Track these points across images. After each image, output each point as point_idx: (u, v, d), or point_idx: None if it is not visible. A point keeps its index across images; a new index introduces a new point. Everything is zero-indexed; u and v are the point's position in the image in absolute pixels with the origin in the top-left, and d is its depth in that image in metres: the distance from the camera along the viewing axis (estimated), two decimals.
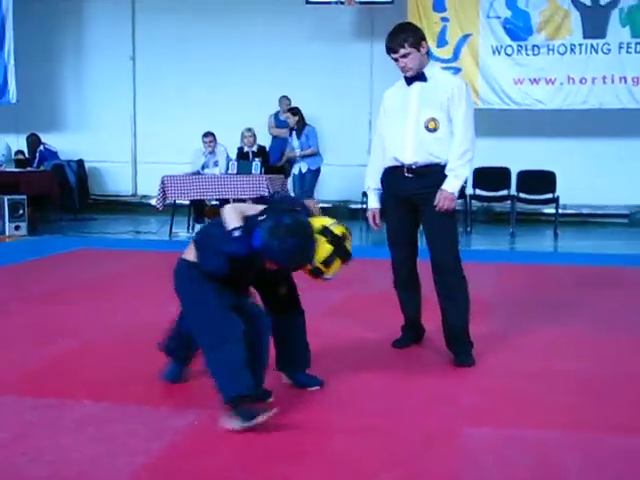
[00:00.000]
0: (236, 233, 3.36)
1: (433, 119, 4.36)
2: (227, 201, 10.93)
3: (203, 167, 10.94)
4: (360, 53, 12.32)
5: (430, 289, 4.53)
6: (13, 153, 12.17)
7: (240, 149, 11.27)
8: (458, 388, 4.07)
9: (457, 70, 11.60)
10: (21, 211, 10.22)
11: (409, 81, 4.49)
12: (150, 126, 13.23)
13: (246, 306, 3.59)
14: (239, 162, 10.70)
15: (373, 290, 6.36)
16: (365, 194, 4.88)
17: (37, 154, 12.52)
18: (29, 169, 11.81)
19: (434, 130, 4.37)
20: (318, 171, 11.14)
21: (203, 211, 11.13)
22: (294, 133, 11.07)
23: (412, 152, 4.40)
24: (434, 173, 4.37)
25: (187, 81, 12.85)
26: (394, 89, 4.64)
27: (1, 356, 4.53)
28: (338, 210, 11.82)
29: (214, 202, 11.13)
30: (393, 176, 4.51)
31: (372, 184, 4.67)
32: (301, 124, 11.03)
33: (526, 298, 6.40)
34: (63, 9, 13.29)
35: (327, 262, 3.45)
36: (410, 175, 4.43)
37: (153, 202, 10.93)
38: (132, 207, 13.27)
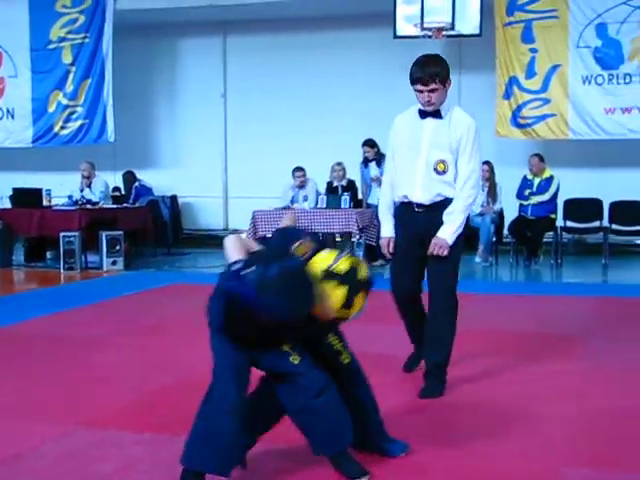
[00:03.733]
0: (237, 266, 2.97)
1: (442, 161, 4.38)
2: (317, 235, 11.06)
3: (292, 201, 11.11)
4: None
5: None
6: (110, 190, 12.59)
7: (329, 183, 11.38)
8: (555, 424, 4.03)
9: (546, 101, 11.52)
10: (118, 246, 10.54)
11: (423, 115, 4.46)
12: (241, 161, 13.51)
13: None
14: (328, 196, 10.82)
15: None
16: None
17: (133, 190, 12.92)
18: (125, 205, 12.18)
19: (443, 172, 4.39)
20: None
21: None
22: (372, 164, 11.00)
23: (421, 192, 4.44)
24: (443, 207, 4.43)
25: (277, 117, 13.10)
26: (406, 119, 4.59)
27: (102, 389, 4.68)
28: None
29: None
30: (404, 211, 4.57)
31: (386, 212, 4.71)
32: (379, 155, 10.94)
33: (621, 332, 6.27)
34: (157, 49, 13.75)
35: (347, 305, 3.02)
36: (420, 210, 4.48)
37: (243, 236, 11.11)
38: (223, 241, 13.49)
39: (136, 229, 11.54)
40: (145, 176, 13.24)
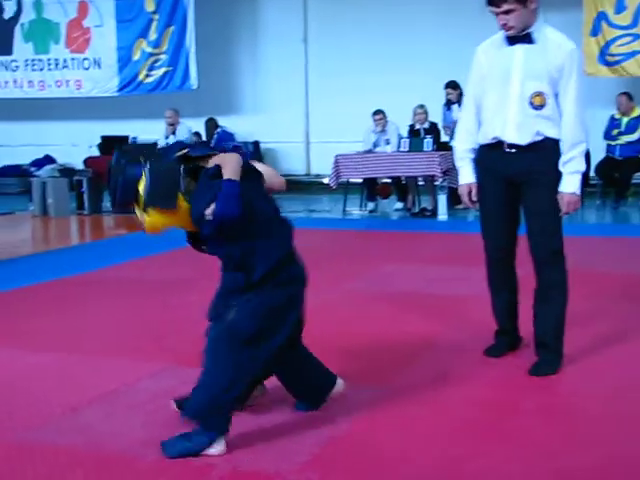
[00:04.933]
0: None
1: (539, 93, 3.73)
2: (399, 179, 11.05)
3: (375, 145, 11.08)
4: None
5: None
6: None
7: (411, 126, 11.29)
8: None
9: (637, 37, 11.15)
10: None
11: (511, 41, 3.79)
12: (322, 106, 13.51)
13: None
14: (411, 139, 10.75)
15: None
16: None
17: (215, 136, 13.09)
18: None
19: (541, 107, 3.74)
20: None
21: (375, 189, 11.28)
22: (454, 106, 10.85)
23: (515, 131, 3.80)
24: (542, 149, 3.79)
25: (358, 60, 13.02)
26: (491, 48, 3.91)
27: (189, 330, 4.82)
28: None
29: (385, 180, 11.27)
30: (491, 154, 3.91)
31: (464, 153, 4.03)
32: (462, 96, 10.79)
33: None
34: None
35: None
36: (512, 150, 3.83)
37: (326, 181, 11.18)
38: (305, 186, 13.60)
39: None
40: (227, 122, 13.37)
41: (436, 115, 11.37)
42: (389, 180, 11.21)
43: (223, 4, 13.70)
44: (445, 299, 5.44)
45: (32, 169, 14.48)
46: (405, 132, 11.20)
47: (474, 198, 4.00)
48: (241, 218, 2.94)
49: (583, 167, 3.78)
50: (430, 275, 6.31)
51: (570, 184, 3.76)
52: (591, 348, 4.26)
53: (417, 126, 11.22)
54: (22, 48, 14.41)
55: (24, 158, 14.80)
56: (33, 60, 14.39)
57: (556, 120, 3.75)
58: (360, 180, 11.14)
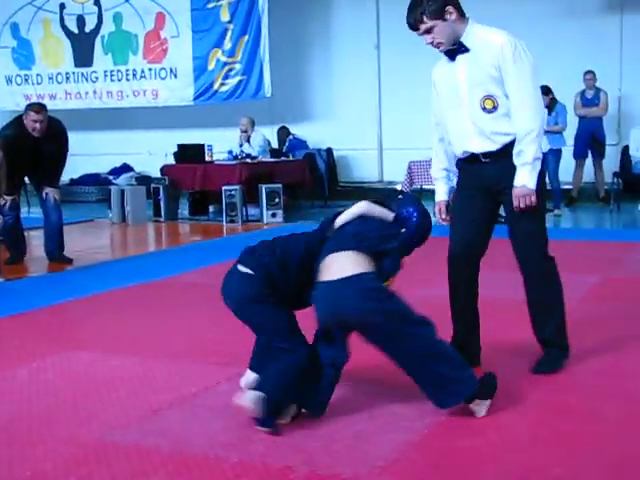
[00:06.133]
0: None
1: (488, 97, 3.71)
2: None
3: None
4: (609, 28, 11.81)
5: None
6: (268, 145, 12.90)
7: None
8: None
9: None
10: (277, 199, 10.82)
11: (451, 56, 3.83)
12: (395, 112, 13.48)
13: None
14: None
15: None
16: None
17: (287, 144, 13.20)
18: (283, 159, 12.46)
19: (494, 109, 3.71)
20: (559, 152, 10.70)
21: None
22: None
23: (478, 140, 3.79)
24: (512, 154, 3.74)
25: (430, 66, 12.87)
26: (440, 67, 3.98)
27: None
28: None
29: None
30: (468, 165, 3.93)
31: (437, 173, 4.16)
32: (553, 102, 10.66)
33: None
34: (311, 2, 13.85)
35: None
36: (487, 160, 3.82)
37: (398, 187, 11.16)
38: (379, 193, 13.58)
39: (294, 182, 11.79)
40: (300, 130, 13.47)
41: None
42: None
43: (296, 12, 13.80)
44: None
45: (110, 177, 14.82)
46: None
47: (444, 215, 4.07)
48: None
49: (533, 157, 3.69)
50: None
51: (520, 177, 3.71)
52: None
53: None
54: (102, 59, 14.77)
55: (103, 167, 15.16)
56: (112, 71, 14.73)
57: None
58: (433, 186, 11.03)
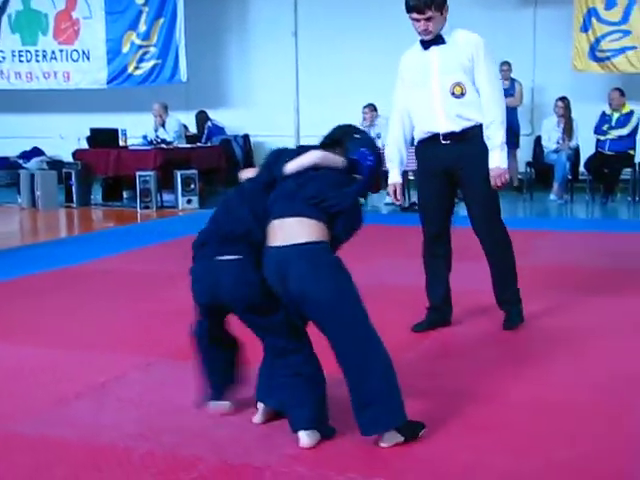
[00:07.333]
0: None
1: (458, 83, 4.17)
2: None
3: None
4: (524, 21, 12.02)
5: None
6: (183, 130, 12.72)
7: None
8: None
9: (626, 33, 11.16)
10: (193, 185, 10.70)
11: (426, 45, 4.26)
12: (312, 101, 13.44)
13: None
14: None
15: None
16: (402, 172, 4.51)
17: (205, 130, 13.03)
18: (199, 144, 12.30)
19: (462, 95, 4.18)
20: None
21: None
22: None
23: (445, 120, 4.22)
24: (473, 137, 4.23)
25: (348, 55, 12.94)
26: (410, 54, 4.42)
27: (177, 322, 4.80)
28: None
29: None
30: (428, 147, 4.35)
31: (393, 155, 4.45)
32: None
33: None
34: None
35: None
36: (447, 142, 4.26)
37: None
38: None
39: (210, 168, 11.66)
40: (217, 115, 13.31)
41: None
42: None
43: None
44: None
45: (20, 161, 14.39)
46: None
47: (399, 197, 4.45)
48: None
49: (500, 141, 4.18)
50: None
51: (493, 159, 4.21)
52: (581, 339, 4.28)
53: None
54: (9, 39, 14.28)
55: (12, 150, 14.69)
56: (20, 51, 14.28)
57: (479, 105, 4.20)
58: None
